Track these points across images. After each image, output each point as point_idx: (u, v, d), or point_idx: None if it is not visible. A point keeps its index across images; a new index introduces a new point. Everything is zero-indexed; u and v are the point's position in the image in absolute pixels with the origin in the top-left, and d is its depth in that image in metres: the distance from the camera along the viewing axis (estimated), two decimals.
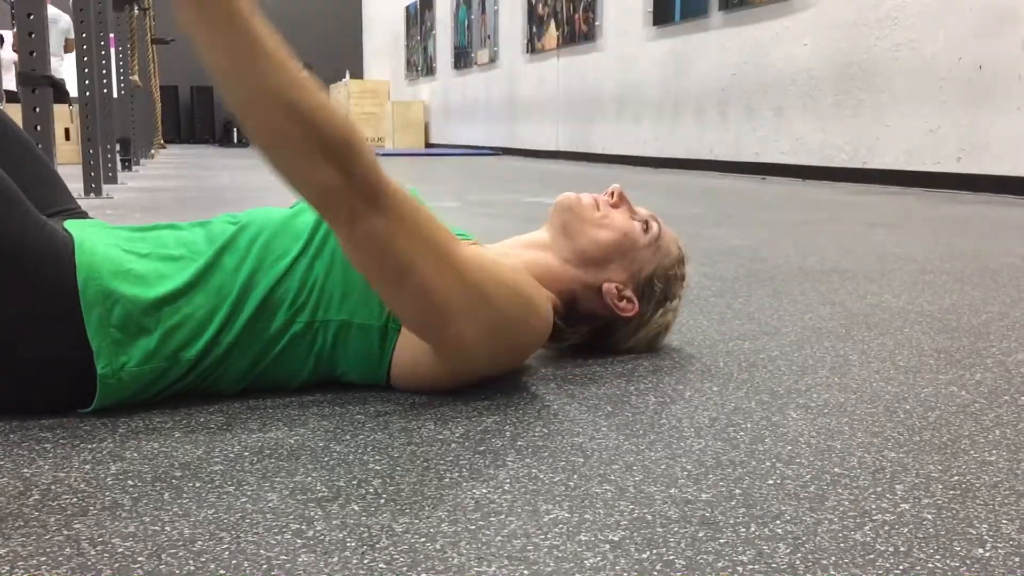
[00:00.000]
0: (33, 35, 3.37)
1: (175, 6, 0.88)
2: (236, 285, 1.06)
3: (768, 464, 0.90)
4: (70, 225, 1.11)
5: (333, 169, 0.91)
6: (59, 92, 6.85)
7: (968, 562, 0.70)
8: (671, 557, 0.70)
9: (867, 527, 0.76)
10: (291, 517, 0.77)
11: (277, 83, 0.89)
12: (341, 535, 0.74)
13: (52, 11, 7.67)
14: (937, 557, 0.71)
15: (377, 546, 0.72)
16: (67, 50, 8.26)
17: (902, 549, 0.72)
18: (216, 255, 1.08)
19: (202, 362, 1.05)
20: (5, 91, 7.66)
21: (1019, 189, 4.55)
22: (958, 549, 0.72)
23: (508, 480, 0.86)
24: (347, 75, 16.66)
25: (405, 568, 0.68)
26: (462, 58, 12.82)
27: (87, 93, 4.75)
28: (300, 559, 0.70)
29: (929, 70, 5.06)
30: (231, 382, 1.09)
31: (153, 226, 1.15)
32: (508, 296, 1.05)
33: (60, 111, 5.06)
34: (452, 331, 1.04)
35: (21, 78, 3.38)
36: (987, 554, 0.71)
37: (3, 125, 1.27)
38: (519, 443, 0.96)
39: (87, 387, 1.01)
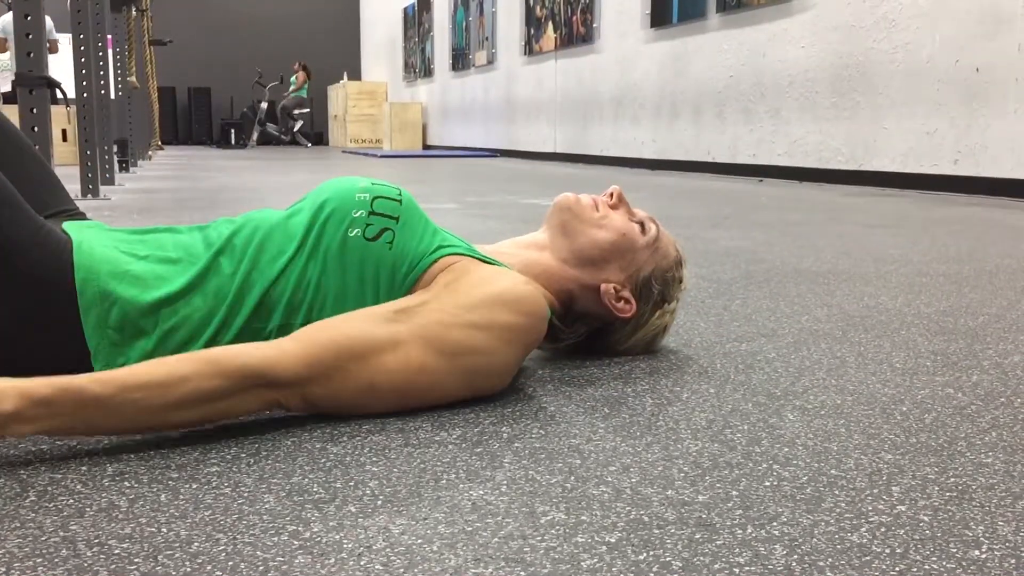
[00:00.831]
0: (30, 36, 3.37)
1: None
2: (233, 287, 1.07)
3: (765, 466, 0.90)
4: (68, 226, 1.11)
5: (258, 393, 0.96)
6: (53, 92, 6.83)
7: (964, 564, 0.70)
8: (668, 559, 0.70)
9: (864, 529, 0.76)
10: (288, 519, 0.77)
11: (160, 404, 0.91)
12: (337, 537, 0.74)
13: None
14: (934, 559, 0.71)
15: (373, 548, 0.72)
16: (50, 51, 8.26)
17: (899, 551, 0.72)
18: (213, 258, 1.08)
19: None
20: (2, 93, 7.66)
21: (1016, 191, 4.55)
22: (954, 551, 0.72)
23: (505, 482, 0.86)
24: (345, 76, 16.67)
25: (402, 570, 0.68)
26: (460, 60, 12.82)
27: (84, 94, 4.74)
28: (296, 561, 0.70)
29: (926, 72, 5.07)
30: None
31: (151, 229, 1.15)
32: (478, 338, 1.05)
33: (57, 112, 5.05)
34: (440, 395, 1.06)
35: (18, 79, 3.38)
36: (983, 556, 0.71)
37: (1, 127, 1.27)
38: (516, 444, 0.96)
39: None
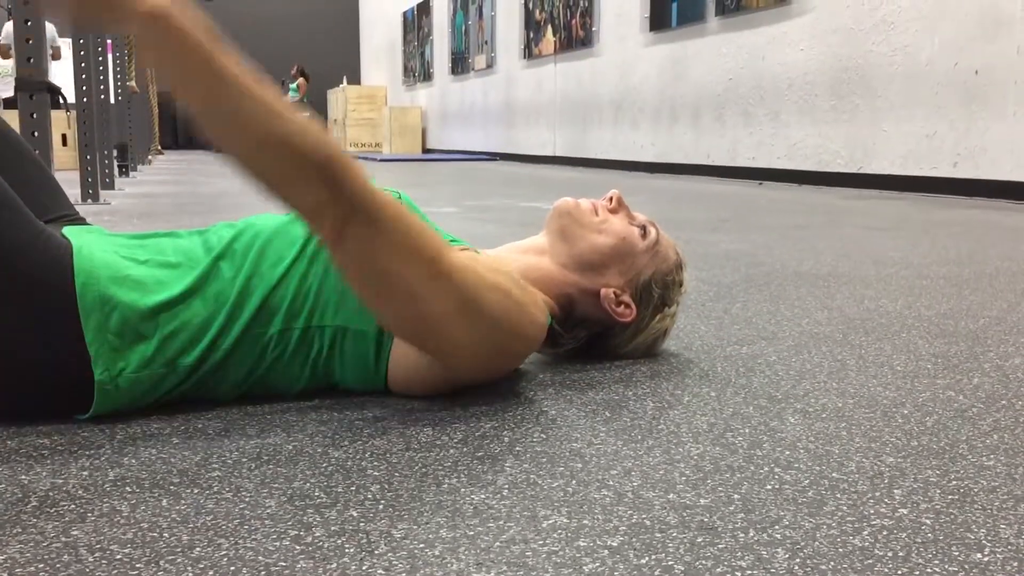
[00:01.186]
0: (30, 41, 3.37)
1: (138, 49, 0.89)
2: (233, 291, 1.07)
3: (766, 469, 0.90)
4: (68, 231, 1.11)
5: (318, 186, 0.92)
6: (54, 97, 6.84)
7: (967, 567, 0.70)
8: (670, 563, 0.70)
9: (865, 532, 0.76)
10: (289, 523, 0.77)
11: (250, 113, 0.89)
12: (339, 541, 0.74)
13: None
14: (936, 562, 0.71)
15: (375, 552, 0.72)
16: (53, 58, 8.27)
17: (901, 554, 0.72)
18: (214, 262, 1.08)
19: (199, 368, 1.05)
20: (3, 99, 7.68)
21: (1015, 194, 4.56)
22: (956, 554, 0.72)
23: (507, 486, 0.86)
24: (344, 80, 16.68)
25: (404, 574, 0.68)
26: (459, 63, 12.84)
27: (84, 99, 4.75)
28: (298, 565, 0.70)
29: (925, 75, 5.08)
30: (228, 389, 1.09)
31: (152, 234, 1.15)
32: (500, 301, 1.05)
33: (57, 117, 5.05)
34: (444, 338, 1.03)
35: (19, 84, 3.38)
36: (985, 559, 0.71)
37: (1, 132, 1.27)
38: (517, 448, 0.96)
39: (84, 393, 1.01)
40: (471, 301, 1.02)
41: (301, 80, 15.68)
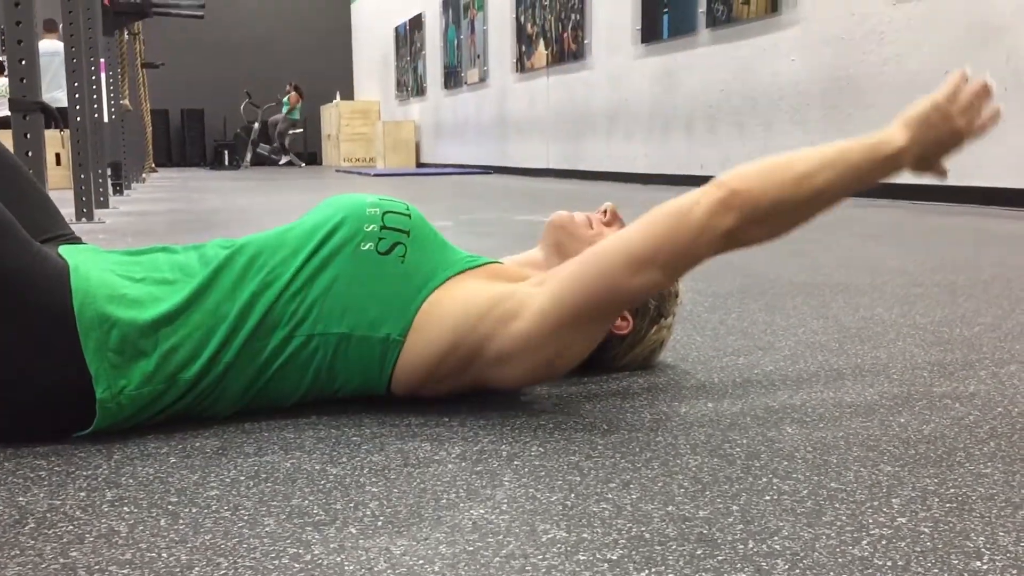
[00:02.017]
0: (23, 62, 3.38)
1: None
2: (236, 303, 1.06)
3: (765, 480, 0.90)
4: (64, 251, 1.11)
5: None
6: (64, 118, 6.87)
7: (966, 575, 0.70)
8: (670, 575, 0.70)
9: (865, 542, 0.76)
10: (288, 541, 0.77)
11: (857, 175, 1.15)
12: (339, 559, 0.74)
13: (55, 44, 7.71)
14: (935, 571, 0.71)
15: (375, 569, 0.72)
16: None
17: (900, 563, 0.72)
18: (212, 275, 1.08)
19: (200, 382, 1.05)
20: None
21: (1008, 201, 4.58)
22: (956, 562, 0.72)
23: (505, 500, 0.86)
24: (337, 95, 16.72)
25: None
26: (452, 77, 12.87)
27: (78, 118, 4.75)
28: None
29: (916, 84, 5.10)
30: (229, 402, 1.09)
31: (147, 249, 1.15)
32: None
33: (51, 136, 5.05)
34: (550, 356, 1.12)
35: (12, 104, 3.39)
36: (984, 567, 0.71)
37: None
38: (515, 463, 0.96)
39: (85, 411, 1.01)
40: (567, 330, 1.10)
41: (293, 94, 15.70)
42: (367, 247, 1.11)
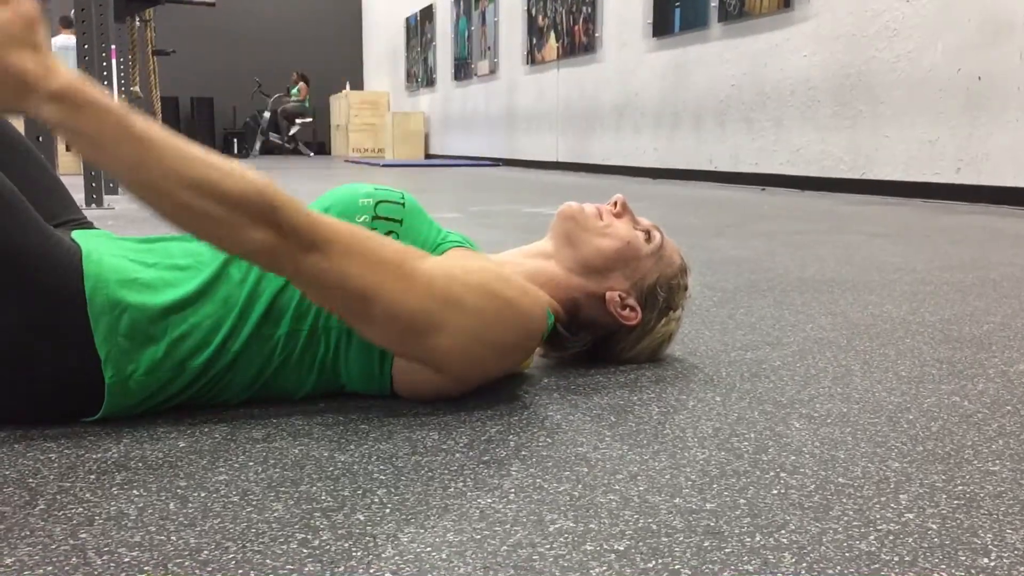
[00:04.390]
0: None
1: (54, 128, 0.88)
2: (242, 294, 1.07)
3: (772, 474, 0.90)
4: (77, 235, 1.11)
5: (263, 230, 0.92)
6: None
7: (973, 572, 0.70)
8: (677, 567, 0.70)
9: (872, 537, 0.76)
10: (296, 527, 0.77)
11: (179, 168, 0.89)
12: (346, 545, 0.74)
13: (70, 40, 7.74)
14: (942, 567, 0.71)
15: (382, 556, 0.72)
16: None
17: (907, 559, 0.72)
18: (223, 265, 1.09)
19: (208, 371, 1.05)
20: None
21: (1018, 200, 4.56)
22: (963, 559, 0.72)
23: (513, 490, 0.86)
24: (347, 86, 16.71)
25: None
26: (462, 69, 12.85)
27: None
28: (306, 569, 0.70)
29: (928, 81, 5.08)
30: (236, 392, 1.09)
31: (159, 237, 1.16)
32: (482, 298, 1.05)
33: None
34: (431, 345, 1.04)
35: None
36: (992, 563, 0.71)
37: (9, 137, 1.27)
38: (523, 453, 0.96)
39: (94, 395, 1.01)
40: (452, 304, 1.03)
41: (302, 84, 15.70)
42: None
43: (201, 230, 0.92)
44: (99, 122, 0.87)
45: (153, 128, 0.89)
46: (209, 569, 0.70)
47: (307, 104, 15.84)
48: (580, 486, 0.87)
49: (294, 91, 15.77)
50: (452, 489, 0.86)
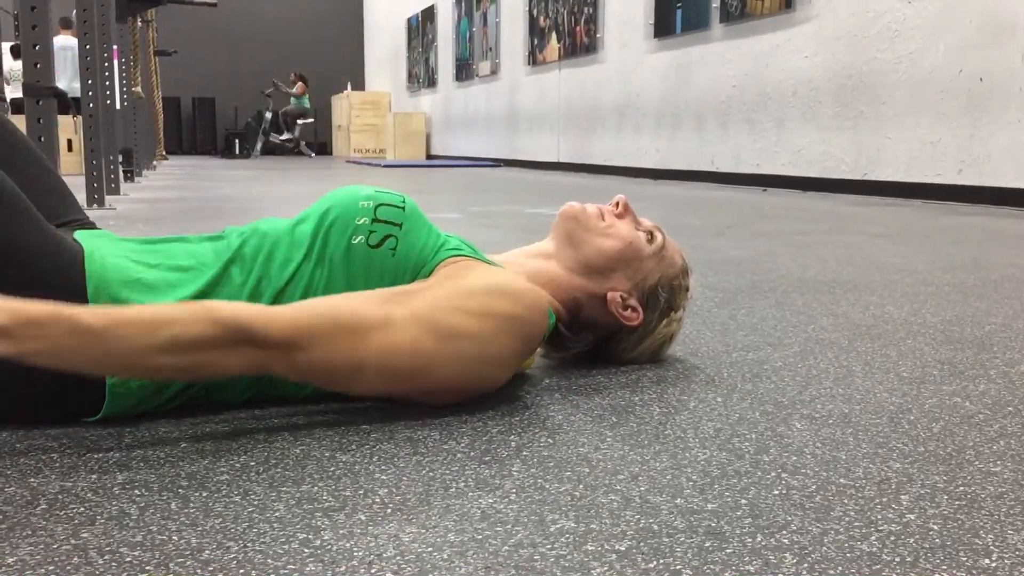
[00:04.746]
0: (37, 47, 3.39)
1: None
2: (243, 296, 1.07)
3: (773, 474, 0.90)
4: (80, 236, 1.11)
5: (243, 352, 0.95)
6: (77, 106, 6.91)
7: (974, 572, 0.70)
8: (678, 567, 0.70)
9: (873, 537, 0.76)
10: (298, 526, 0.77)
11: (144, 344, 0.90)
12: (348, 545, 0.74)
13: (70, 40, 7.77)
14: (944, 567, 0.71)
15: (384, 556, 0.72)
16: None
17: (908, 559, 0.72)
18: (224, 267, 1.09)
19: None
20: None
21: (1020, 201, 4.55)
22: (964, 559, 0.72)
23: (514, 490, 0.86)
24: (348, 86, 16.72)
25: None
26: (463, 70, 12.86)
27: (90, 104, 4.76)
28: (307, 568, 0.70)
29: (929, 82, 5.08)
30: (238, 392, 1.09)
31: (162, 239, 1.16)
32: (478, 320, 1.05)
33: (64, 122, 5.07)
34: (432, 382, 1.05)
35: (26, 89, 3.39)
36: (993, 564, 0.71)
37: (11, 136, 1.28)
38: (524, 453, 0.96)
39: (95, 396, 1.01)
40: (442, 339, 1.03)
41: (300, 84, 15.70)
42: (358, 240, 1.11)
43: (193, 375, 0.97)
44: (50, 340, 0.87)
45: (105, 315, 0.90)
46: (211, 569, 0.70)
47: (307, 102, 15.83)
48: (581, 486, 0.87)
49: (293, 91, 15.76)
50: (453, 489, 0.86)
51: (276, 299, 1.08)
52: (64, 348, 0.88)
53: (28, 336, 0.86)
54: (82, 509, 0.81)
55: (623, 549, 0.73)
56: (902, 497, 0.85)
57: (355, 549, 0.73)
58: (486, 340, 1.06)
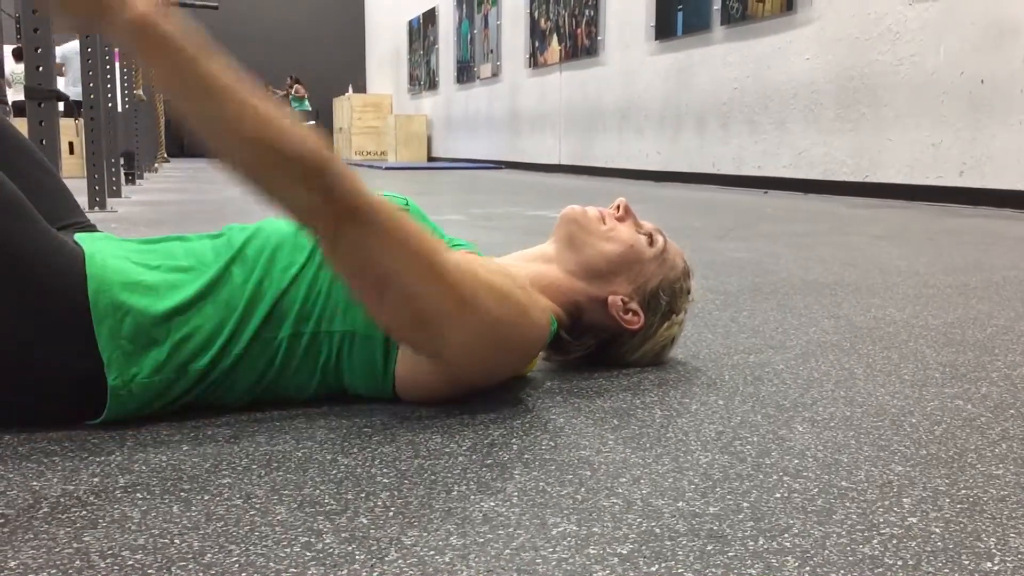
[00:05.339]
0: (39, 50, 3.39)
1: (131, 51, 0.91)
2: (244, 296, 1.07)
3: (775, 478, 0.90)
4: (80, 238, 1.11)
5: (310, 190, 0.92)
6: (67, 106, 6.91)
7: (976, 575, 0.70)
8: (680, 570, 0.70)
9: (875, 541, 0.76)
10: (300, 530, 0.77)
11: (239, 116, 0.90)
12: (350, 548, 0.74)
13: (72, 43, 7.79)
14: (946, 571, 0.71)
15: (386, 559, 0.72)
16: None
17: (911, 563, 0.72)
18: (225, 267, 1.09)
19: (211, 373, 1.05)
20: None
21: (1021, 203, 4.55)
22: (966, 563, 0.72)
23: (516, 493, 0.86)
24: (350, 88, 16.73)
25: None
26: (465, 72, 12.87)
27: (92, 107, 4.77)
28: (309, 572, 0.70)
29: (931, 84, 5.08)
30: (239, 395, 1.09)
31: (162, 238, 1.16)
32: (496, 301, 1.05)
33: (65, 125, 5.08)
34: (441, 338, 1.04)
35: (28, 92, 3.40)
36: (995, 567, 0.71)
37: (12, 139, 1.28)
38: (526, 456, 0.96)
39: (97, 398, 1.01)
40: (468, 301, 1.02)
41: (298, 86, 15.69)
42: None
43: (255, 180, 0.93)
44: (170, 58, 0.89)
45: (224, 73, 0.90)
46: (212, 572, 0.70)
47: (307, 103, 15.84)
48: (583, 489, 0.87)
49: (294, 94, 15.76)
50: (455, 492, 0.86)
51: (278, 301, 1.08)
52: (173, 73, 0.90)
53: (150, 45, 0.89)
54: (84, 512, 0.81)
55: (625, 552, 0.73)
56: (904, 500, 0.85)
57: (357, 552, 0.73)
58: (499, 323, 1.06)
